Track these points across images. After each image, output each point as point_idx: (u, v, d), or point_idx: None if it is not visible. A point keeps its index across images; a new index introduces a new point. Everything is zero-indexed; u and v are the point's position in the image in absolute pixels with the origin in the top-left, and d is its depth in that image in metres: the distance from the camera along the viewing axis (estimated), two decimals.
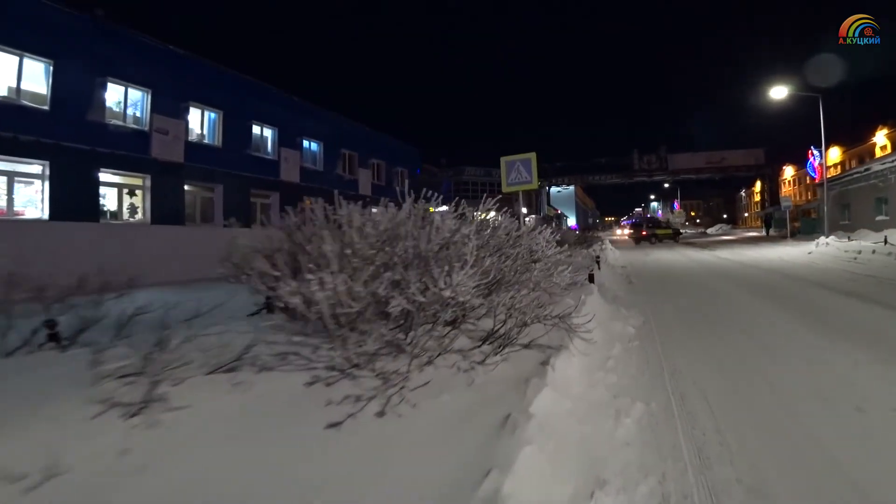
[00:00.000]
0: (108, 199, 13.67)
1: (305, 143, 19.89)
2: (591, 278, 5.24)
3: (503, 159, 8.29)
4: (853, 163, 35.54)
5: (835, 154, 38.81)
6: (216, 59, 18.19)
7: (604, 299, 5.39)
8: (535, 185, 8.05)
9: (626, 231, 38.80)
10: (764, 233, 33.38)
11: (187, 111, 15.07)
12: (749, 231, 47.55)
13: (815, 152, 27.44)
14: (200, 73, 15.55)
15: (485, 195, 3.78)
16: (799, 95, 18.09)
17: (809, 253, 13.71)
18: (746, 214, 71.45)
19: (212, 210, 16.02)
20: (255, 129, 17.53)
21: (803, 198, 44.40)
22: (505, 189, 8.34)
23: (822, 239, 15.50)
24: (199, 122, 15.68)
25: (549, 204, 46.02)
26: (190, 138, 15.21)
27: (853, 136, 38.22)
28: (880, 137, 35.10)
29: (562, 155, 70.08)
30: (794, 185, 51.71)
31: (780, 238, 24.20)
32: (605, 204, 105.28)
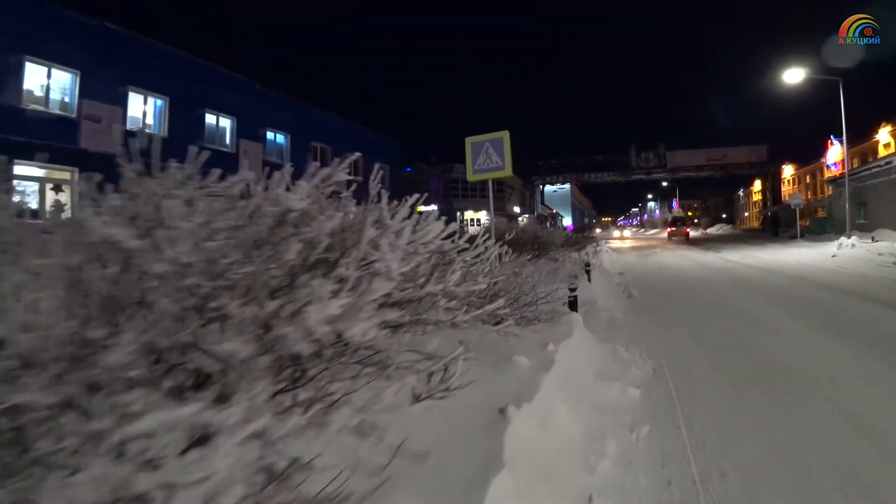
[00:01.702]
0: (29, 196, 11.83)
1: (270, 135, 18.02)
2: (572, 305, 3.44)
3: (468, 140, 6.52)
4: (855, 162, 33.92)
5: (836, 152, 37.13)
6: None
7: (592, 333, 3.61)
8: (507, 171, 6.25)
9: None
10: (770, 233, 31.58)
11: (126, 97, 13.24)
12: (751, 231, 46.02)
13: (835, 142, 25.81)
14: (141, 54, 13.67)
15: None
16: (816, 79, 16.37)
17: (833, 256, 11.97)
18: (746, 214, 69.97)
19: None
20: (210, 119, 15.67)
21: (805, 196, 42.81)
22: (470, 177, 6.59)
23: (845, 240, 13.76)
24: (140, 109, 13.82)
25: (543, 203, 44.16)
26: (130, 127, 13.38)
27: (855, 134, 36.50)
28: (884, 135, 33.40)
29: (557, 152, 68.49)
30: (795, 183, 50.12)
31: (789, 238, 22.48)
32: (601, 204, 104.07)
